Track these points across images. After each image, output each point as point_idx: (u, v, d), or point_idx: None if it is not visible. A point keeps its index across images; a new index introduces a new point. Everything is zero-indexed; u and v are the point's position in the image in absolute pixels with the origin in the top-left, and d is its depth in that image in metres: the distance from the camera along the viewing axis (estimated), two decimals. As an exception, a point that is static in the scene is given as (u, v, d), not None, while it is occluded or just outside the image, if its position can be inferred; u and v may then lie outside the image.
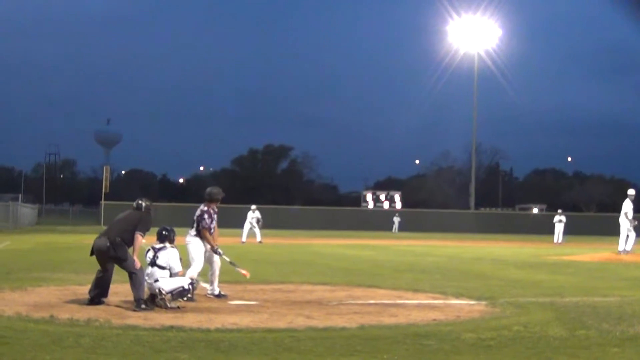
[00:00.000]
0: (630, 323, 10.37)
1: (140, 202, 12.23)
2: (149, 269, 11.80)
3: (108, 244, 11.60)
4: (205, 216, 13.21)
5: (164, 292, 11.54)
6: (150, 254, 11.98)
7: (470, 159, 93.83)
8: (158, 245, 12.09)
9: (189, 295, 11.97)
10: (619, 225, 26.80)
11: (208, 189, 13.71)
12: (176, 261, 11.94)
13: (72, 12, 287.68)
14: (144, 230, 11.87)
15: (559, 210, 50.61)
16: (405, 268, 21.08)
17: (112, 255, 11.61)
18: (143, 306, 11.18)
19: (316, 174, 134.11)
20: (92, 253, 11.92)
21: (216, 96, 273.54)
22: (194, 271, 12.85)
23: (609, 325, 10.17)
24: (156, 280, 11.65)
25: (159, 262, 11.83)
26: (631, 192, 27.51)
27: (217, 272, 13.16)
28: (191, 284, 11.80)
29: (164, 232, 12.27)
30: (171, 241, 12.22)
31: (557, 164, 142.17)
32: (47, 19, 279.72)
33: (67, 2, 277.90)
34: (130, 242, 11.70)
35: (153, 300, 11.50)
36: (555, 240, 46.28)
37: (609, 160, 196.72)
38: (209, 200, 13.41)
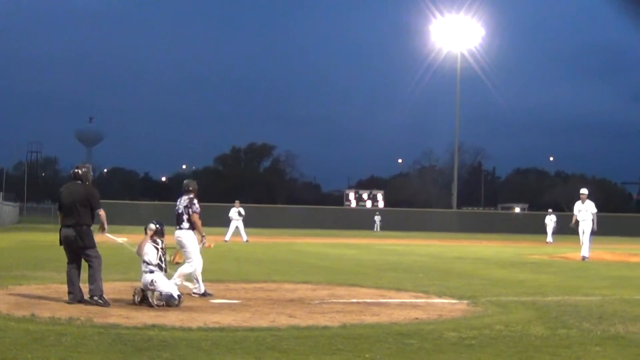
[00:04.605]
0: (611, 322, 10.43)
1: (77, 170, 12.18)
2: (143, 265, 11.88)
3: (75, 234, 11.64)
4: (196, 201, 13.22)
5: (155, 284, 11.55)
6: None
7: (453, 158, 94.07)
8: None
9: (176, 304, 12.00)
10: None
11: (193, 181, 13.68)
12: (152, 254, 11.93)
13: (54, 9, 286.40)
14: (100, 205, 11.95)
15: (549, 210, 51.07)
16: (387, 267, 21.11)
17: (80, 245, 11.68)
18: (97, 299, 11.27)
19: (299, 172, 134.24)
20: (61, 243, 11.96)
21: (199, 95, 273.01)
22: (192, 268, 12.86)
23: (590, 324, 10.22)
24: (151, 272, 11.66)
25: (146, 259, 11.87)
26: (584, 191, 26.85)
27: (200, 270, 13.11)
28: (179, 296, 11.69)
29: (156, 227, 12.23)
30: (161, 235, 12.19)
31: (539, 163, 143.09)
32: (29, 15, 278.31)
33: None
34: (93, 219, 11.77)
35: (144, 300, 11.48)
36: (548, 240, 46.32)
37: (590, 160, 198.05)
38: (193, 190, 13.41)
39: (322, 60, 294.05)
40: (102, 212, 11.86)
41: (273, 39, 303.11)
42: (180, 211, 13.18)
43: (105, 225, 11.95)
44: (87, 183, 12.16)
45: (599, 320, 10.63)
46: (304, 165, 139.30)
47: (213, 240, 16.72)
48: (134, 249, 12.29)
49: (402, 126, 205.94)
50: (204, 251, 13.47)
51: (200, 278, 13.05)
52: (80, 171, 12.10)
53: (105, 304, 11.29)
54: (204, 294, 12.87)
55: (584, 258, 25.38)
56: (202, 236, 13.31)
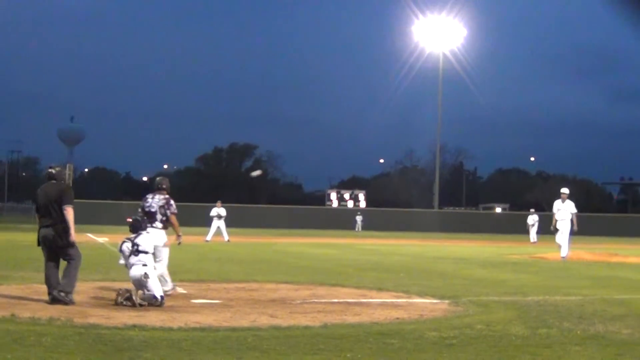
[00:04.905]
0: (591, 322, 10.49)
1: (51, 170, 12.13)
2: (133, 258, 11.82)
3: (54, 233, 11.58)
4: (172, 201, 13.17)
5: (149, 276, 11.56)
6: (128, 245, 11.97)
7: (435, 158, 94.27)
8: (132, 236, 12.08)
9: (157, 304, 11.96)
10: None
11: (166, 179, 13.63)
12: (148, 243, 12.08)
13: (35, 7, 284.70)
14: (72, 202, 11.82)
15: (532, 210, 51.61)
16: (369, 267, 21.14)
17: (60, 244, 11.63)
18: (64, 296, 11.26)
19: (281, 172, 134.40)
20: (39, 243, 11.91)
21: (180, 94, 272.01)
22: (163, 268, 12.82)
23: (570, 324, 10.28)
24: (144, 265, 11.67)
25: (141, 248, 11.87)
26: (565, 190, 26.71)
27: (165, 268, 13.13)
28: (162, 297, 11.67)
29: (134, 223, 12.26)
30: (144, 229, 12.23)
31: (520, 163, 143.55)
32: (9, 13, 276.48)
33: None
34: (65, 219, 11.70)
35: (130, 299, 11.43)
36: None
37: (571, 161, 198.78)
38: (167, 189, 13.37)
39: (304, 60, 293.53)
40: (69, 211, 11.64)
41: (255, 40, 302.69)
42: (154, 210, 13.08)
43: (73, 234, 11.75)
44: (62, 182, 12.14)
45: (579, 319, 10.70)
46: (286, 165, 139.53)
47: (194, 240, 16.67)
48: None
49: (384, 126, 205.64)
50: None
51: (167, 277, 13.05)
52: (54, 171, 12.08)
53: (70, 302, 11.26)
54: (173, 288, 12.90)
55: (563, 258, 25.40)
56: (179, 235, 13.30)
